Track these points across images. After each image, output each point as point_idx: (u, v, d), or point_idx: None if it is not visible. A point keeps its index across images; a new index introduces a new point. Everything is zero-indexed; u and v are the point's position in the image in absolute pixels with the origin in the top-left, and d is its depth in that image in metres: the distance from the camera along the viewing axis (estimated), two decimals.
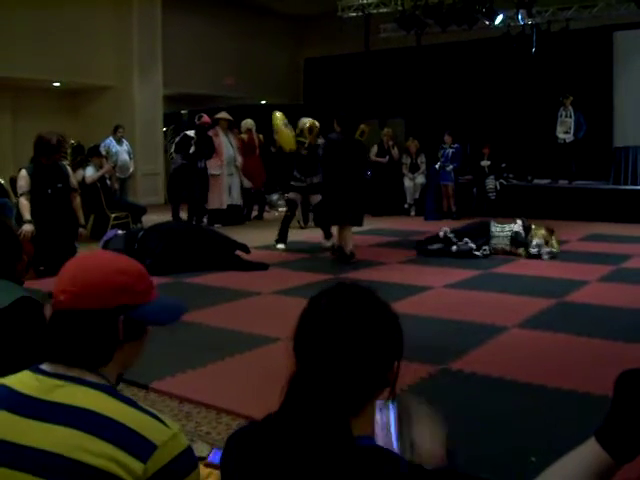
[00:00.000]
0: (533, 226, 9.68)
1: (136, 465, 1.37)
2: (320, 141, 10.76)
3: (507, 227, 9.69)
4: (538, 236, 9.43)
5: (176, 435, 1.44)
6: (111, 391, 1.50)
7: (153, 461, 1.38)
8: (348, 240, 9.07)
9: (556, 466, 1.19)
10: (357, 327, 1.36)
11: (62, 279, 1.55)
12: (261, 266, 8.50)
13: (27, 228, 7.48)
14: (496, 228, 9.68)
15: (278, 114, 11.35)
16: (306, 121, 12.80)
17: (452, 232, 9.64)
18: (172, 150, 13.07)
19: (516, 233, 9.53)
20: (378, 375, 1.38)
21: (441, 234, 9.65)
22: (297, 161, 10.81)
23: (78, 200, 8.15)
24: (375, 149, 15.26)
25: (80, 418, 1.41)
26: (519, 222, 9.77)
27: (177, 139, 12.98)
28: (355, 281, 1.54)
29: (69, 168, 8.50)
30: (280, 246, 10.22)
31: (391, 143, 15.51)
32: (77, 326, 1.51)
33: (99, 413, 1.42)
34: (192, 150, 12.33)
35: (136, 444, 1.39)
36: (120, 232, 9.09)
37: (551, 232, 9.56)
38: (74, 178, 8.37)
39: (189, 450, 1.46)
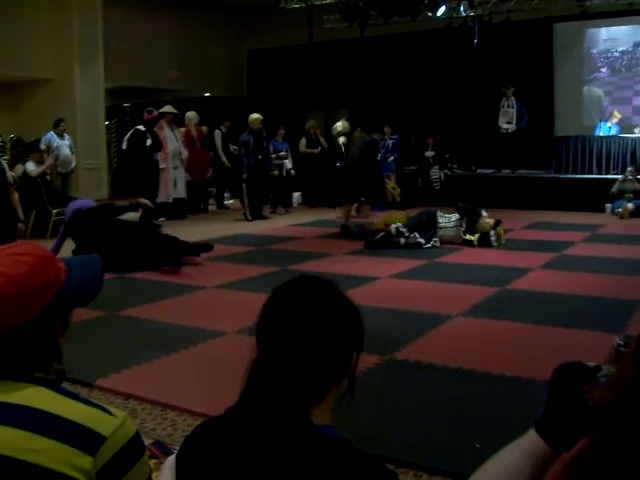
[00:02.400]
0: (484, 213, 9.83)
1: (84, 460, 1.34)
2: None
3: (453, 217, 9.80)
4: (482, 227, 9.60)
5: (123, 423, 1.42)
6: (52, 386, 1.46)
7: (102, 452, 1.36)
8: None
9: (498, 455, 1.22)
10: (318, 318, 1.38)
11: None
12: (206, 247, 8.34)
13: None
14: (442, 219, 9.75)
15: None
16: (257, 116, 12.91)
17: (404, 227, 9.68)
18: (124, 146, 12.90)
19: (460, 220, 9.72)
20: (338, 366, 1.40)
21: (393, 230, 9.66)
22: None
23: (16, 195, 7.97)
24: (304, 141, 15.22)
25: (21, 416, 1.37)
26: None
27: (129, 134, 12.83)
28: (317, 274, 1.56)
29: (5, 163, 8.28)
30: None
31: (318, 132, 15.52)
32: (14, 344, 1.44)
33: (41, 409, 1.38)
34: (149, 143, 12.26)
35: (83, 438, 1.36)
36: (93, 204, 8.75)
37: (497, 223, 9.70)
38: (11, 173, 8.14)
39: (137, 436, 1.45)
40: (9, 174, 7.93)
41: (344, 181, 11.27)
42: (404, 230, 9.53)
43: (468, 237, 9.53)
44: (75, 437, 1.36)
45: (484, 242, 9.46)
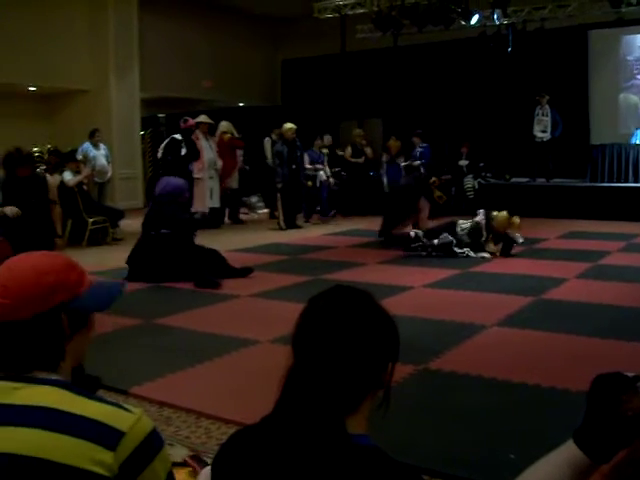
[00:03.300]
0: (494, 213, 9.64)
1: (106, 455, 1.37)
2: None
3: (468, 222, 9.65)
4: (499, 222, 9.43)
5: (140, 418, 1.46)
6: (69, 386, 1.49)
7: (122, 447, 1.39)
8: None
9: (535, 466, 1.21)
10: (354, 328, 1.39)
11: None
12: (246, 271, 8.23)
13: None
14: (460, 227, 9.58)
15: None
16: (290, 126, 12.94)
17: (422, 232, 9.69)
18: (160, 155, 12.88)
19: (477, 224, 9.51)
20: (372, 375, 1.41)
21: (412, 234, 9.67)
22: None
23: (58, 210, 7.98)
24: (349, 150, 15.27)
25: (43, 417, 1.40)
26: (480, 212, 9.76)
27: (165, 142, 12.80)
28: (351, 283, 1.57)
29: (50, 178, 8.25)
30: None
31: (364, 142, 15.52)
32: (19, 336, 1.49)
33: (61, 410, 1.41)
34: (184, 152, 12.28)
35: (103, 434, 1.39)
36: (186, 193, 8.69)
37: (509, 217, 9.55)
38: (53, 188, 8.10)
39: (155, 430, 1.48)
40: (53, 191, 7.86)
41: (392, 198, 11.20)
42: (421, 236, 9.55)
43: (489, 250, 9.39)
44: (95, 434, 1.39)
45: (508, 244, 9.34)
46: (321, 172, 14.48)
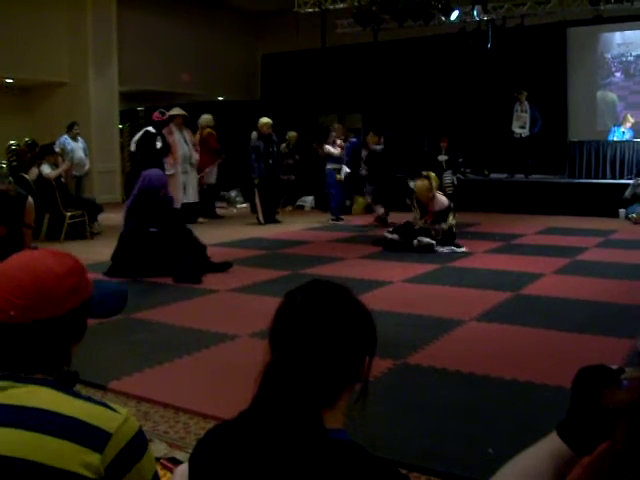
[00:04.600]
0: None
1: (93, 457, 1.36)
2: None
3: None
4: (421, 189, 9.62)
5: (127, 419, 1.45)
6: (56, 385, 1.48)
7: (109, 449, 1.38)
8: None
9: (515, 460, 1.22)
10: (331, 322, 1.39)
11: (6, 287, 1.47)
12: (225, 265, 8.22)
13: None
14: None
15: None
16: (266, 120, 12.88)
17: (391, 227, 9.93)
18: (133, 148, 12.67)
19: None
20: (349, 369, 1.41)
21: (388, 237, 9.76)
22: None
23: (30, 233, 7.35)
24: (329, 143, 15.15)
25: (30, 418, 1.38)
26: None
27: (138, 136, 12.53)
28: (330, 277, 1.57)
29: (29, 201, 7.34)
30: None
31: (342, 137, 15.39)
32: (32, 338, 1.47)
33: (48, 410, 1.40)
34: (160, 146, 12.05)
35: (90, 435, 1.38)
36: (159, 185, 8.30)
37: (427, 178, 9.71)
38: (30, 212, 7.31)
39: (141, 431, 1.48)
40: (30, 216, 6.98)
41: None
42: (387, 234, 9.78)
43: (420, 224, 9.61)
44: (81, 435, 1.37)
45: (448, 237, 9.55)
46: (344, 166, 13.83)
